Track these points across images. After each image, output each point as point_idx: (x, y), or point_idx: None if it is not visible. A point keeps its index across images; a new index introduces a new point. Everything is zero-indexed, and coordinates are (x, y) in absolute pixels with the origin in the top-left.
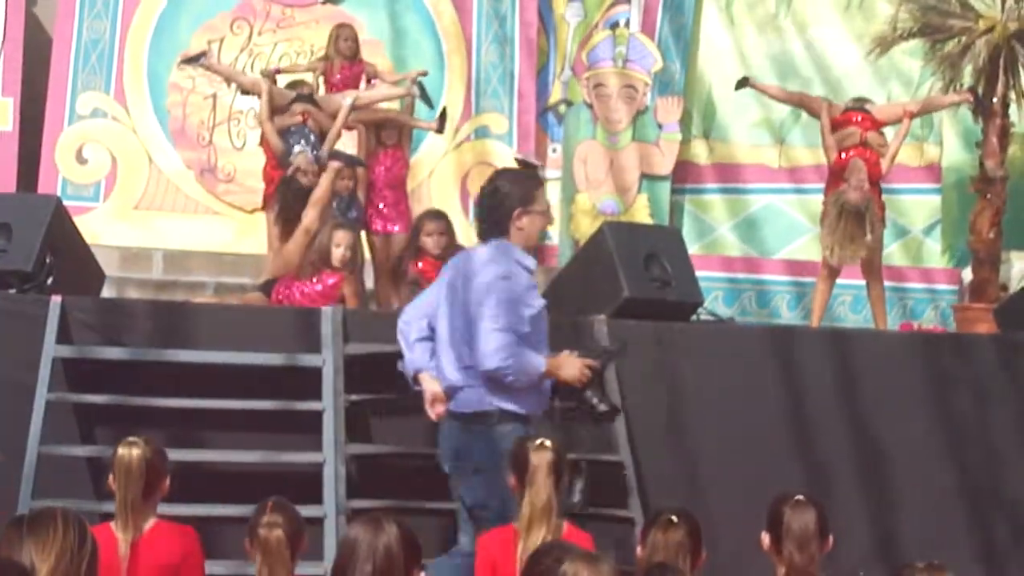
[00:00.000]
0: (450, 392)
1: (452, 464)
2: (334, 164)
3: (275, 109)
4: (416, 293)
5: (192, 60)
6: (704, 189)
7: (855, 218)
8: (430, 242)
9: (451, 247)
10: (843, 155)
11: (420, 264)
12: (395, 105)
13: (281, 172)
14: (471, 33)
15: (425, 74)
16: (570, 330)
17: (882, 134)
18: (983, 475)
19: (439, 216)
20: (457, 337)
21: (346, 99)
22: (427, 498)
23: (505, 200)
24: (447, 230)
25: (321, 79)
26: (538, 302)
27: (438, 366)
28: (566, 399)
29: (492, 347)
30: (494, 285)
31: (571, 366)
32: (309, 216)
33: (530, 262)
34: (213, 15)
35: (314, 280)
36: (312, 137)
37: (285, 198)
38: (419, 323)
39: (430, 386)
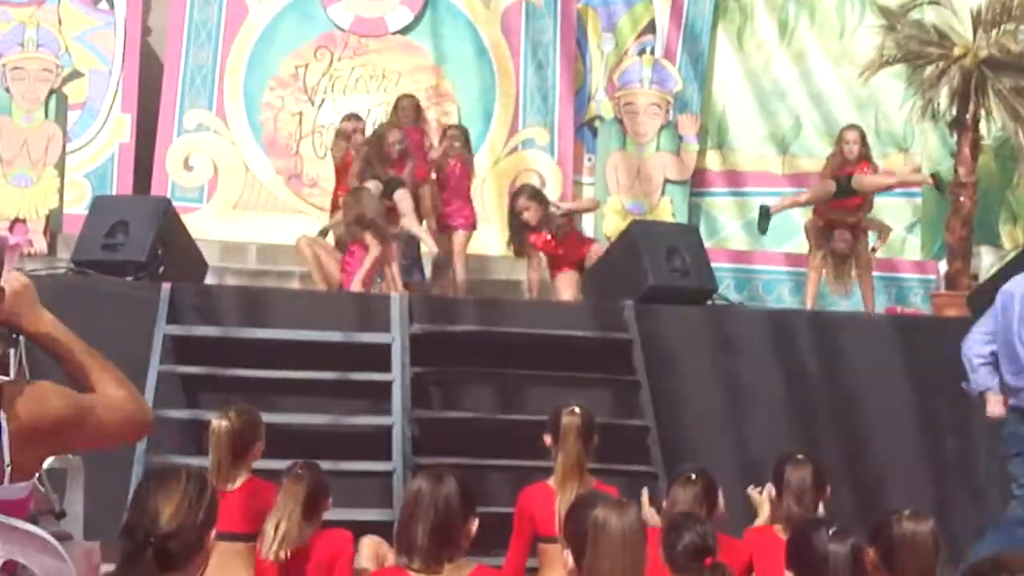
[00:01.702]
0: (1010, 392)
1: (1015, 447)
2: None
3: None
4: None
5: None
6: (717, 192)
7: (841, 260)
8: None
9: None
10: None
11: (532, 237)
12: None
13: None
14: (519, 60)
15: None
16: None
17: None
18: (951, 440)
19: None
20: (1010, 347)
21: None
22: (481, 455)
23: None
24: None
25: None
26: None
27: (1001, 368)
28: None
29: None
30: None
31: None
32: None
33: None
34: (299, 45)
35: (349, 247)
36: None
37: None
38: (980, 348)
39: (993, 408)
